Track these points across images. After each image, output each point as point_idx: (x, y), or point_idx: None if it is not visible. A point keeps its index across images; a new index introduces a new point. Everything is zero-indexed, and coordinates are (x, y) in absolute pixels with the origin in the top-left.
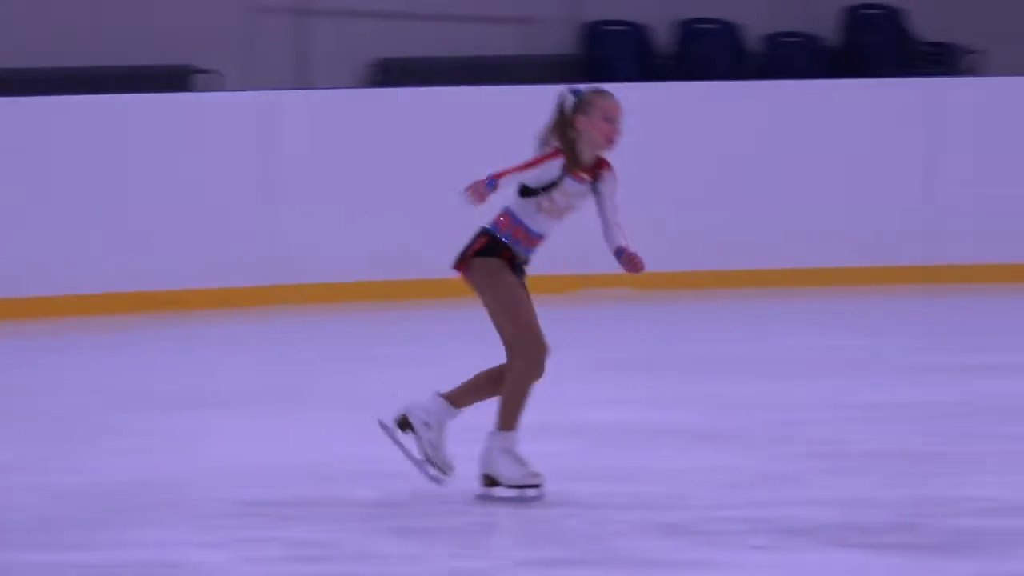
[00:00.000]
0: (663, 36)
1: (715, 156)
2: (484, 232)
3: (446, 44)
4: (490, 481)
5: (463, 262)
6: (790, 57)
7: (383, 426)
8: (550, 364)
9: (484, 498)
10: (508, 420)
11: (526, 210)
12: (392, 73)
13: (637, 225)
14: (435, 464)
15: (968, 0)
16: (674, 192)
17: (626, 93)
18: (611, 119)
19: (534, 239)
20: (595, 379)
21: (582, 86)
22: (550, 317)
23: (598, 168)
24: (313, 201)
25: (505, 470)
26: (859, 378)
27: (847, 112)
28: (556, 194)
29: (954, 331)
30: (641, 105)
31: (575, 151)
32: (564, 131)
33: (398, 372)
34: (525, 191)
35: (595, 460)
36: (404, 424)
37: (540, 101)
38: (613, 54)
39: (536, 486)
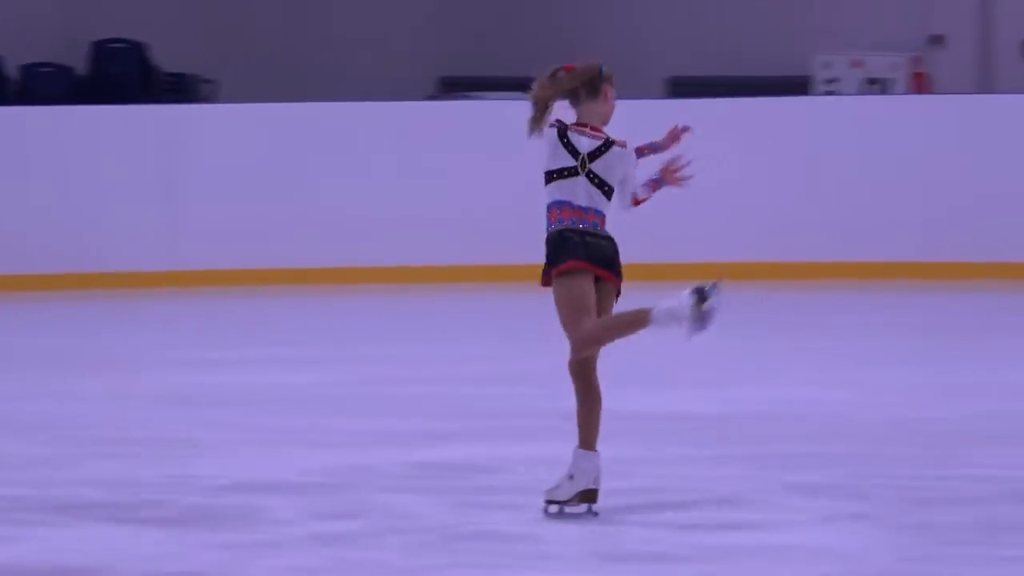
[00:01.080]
0: None
1: None
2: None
3: None
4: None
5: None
6: (45, 85)
7: (592, 511)
8: None
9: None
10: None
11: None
12: None
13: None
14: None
15: (204, 36)
16: None
17: None
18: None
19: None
20: None
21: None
22: None
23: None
24: None
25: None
26: (127, 372)
27: (95, 136)
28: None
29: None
30: None
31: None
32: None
33: None
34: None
35: None
36: (591, 497)
37: None
38: None
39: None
